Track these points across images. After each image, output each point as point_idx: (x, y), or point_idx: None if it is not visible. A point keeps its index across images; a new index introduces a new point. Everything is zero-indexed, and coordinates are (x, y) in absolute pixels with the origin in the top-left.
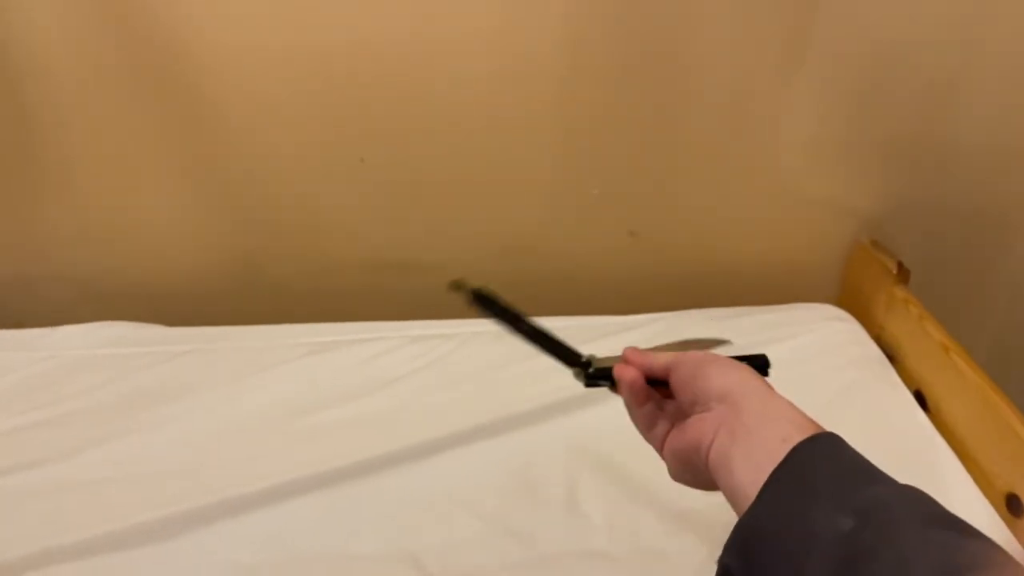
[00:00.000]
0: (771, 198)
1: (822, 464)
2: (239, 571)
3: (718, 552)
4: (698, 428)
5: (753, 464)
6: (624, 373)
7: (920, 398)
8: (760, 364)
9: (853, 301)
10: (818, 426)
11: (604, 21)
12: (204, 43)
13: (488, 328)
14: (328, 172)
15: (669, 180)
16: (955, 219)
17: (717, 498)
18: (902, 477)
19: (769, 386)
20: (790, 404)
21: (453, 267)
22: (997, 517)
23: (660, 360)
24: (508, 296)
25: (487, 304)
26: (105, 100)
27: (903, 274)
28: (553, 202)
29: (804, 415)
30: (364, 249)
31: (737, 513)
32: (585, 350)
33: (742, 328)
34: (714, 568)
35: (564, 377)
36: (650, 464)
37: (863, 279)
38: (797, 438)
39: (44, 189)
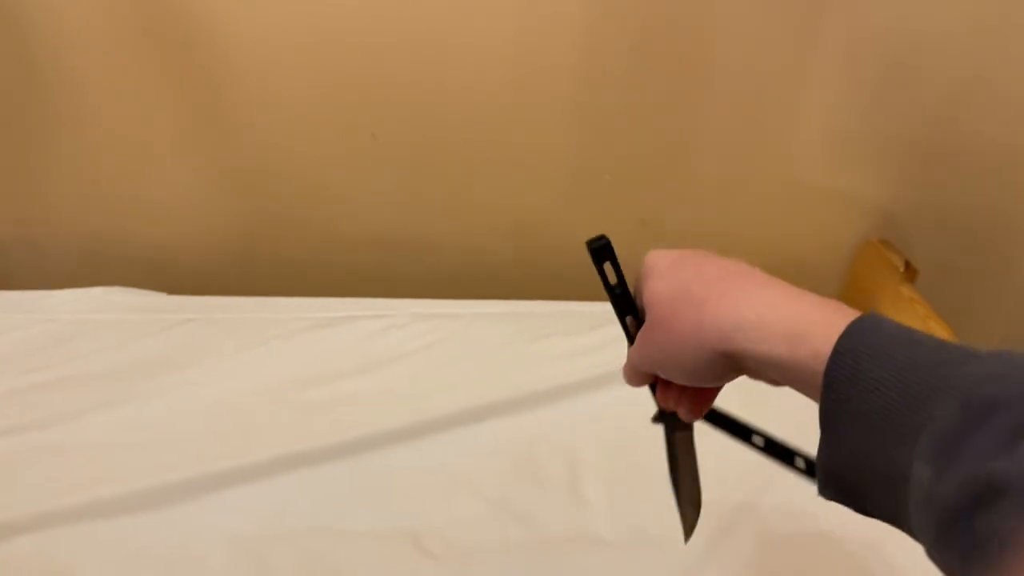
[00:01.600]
0: (782, 192)
1: (869, 389)
2: (235, 542)
3: (717, 541)
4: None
5: (809, 389)
6: (679, 403)
7: None
8: None
9: (858, 298)
10: (820, 317)
11: (622, 10)
12: (220, 18)
13: (494, 309)
14: (339, 148)
15: (681, 170)
16: (966, 221)
17: (719, 489)
18: None
19: (728, 282)
20: (768, 309)
21: (462, 247)
22: None
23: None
24: (518, 279)
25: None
26: (120, 68)
27: (910, 273)
28: (565, 187)
29: (792, 310)
30: (374, 226)
31: None
32: (592, 335)
33: None
34: (711, 560)
35: (569, 361)
36: (652, 450)
37: (870, 277)
38: (819, 364)
39: (55, 153)
